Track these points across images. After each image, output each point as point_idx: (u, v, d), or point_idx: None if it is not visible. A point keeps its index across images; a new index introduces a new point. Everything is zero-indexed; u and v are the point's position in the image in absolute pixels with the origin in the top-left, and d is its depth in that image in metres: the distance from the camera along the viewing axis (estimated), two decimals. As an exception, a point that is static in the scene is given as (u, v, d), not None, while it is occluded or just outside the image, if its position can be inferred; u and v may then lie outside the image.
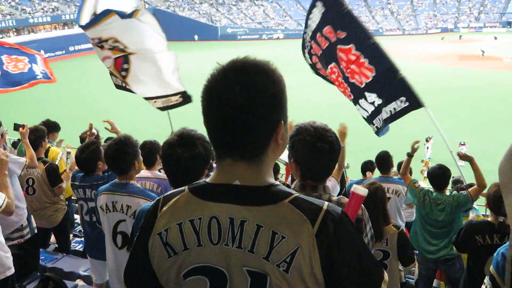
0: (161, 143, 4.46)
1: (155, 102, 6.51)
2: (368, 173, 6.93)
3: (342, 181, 6.59)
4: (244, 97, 1.17)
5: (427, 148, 17.60)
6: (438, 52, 49.22)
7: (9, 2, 57.85)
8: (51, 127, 6.65)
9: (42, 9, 59.69)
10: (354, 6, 77.46)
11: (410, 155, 5.26)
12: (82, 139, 5.88)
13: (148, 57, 6.07)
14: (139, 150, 3.37)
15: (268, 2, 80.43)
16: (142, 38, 5.91)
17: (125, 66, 6.16)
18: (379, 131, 5.54)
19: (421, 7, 76.73)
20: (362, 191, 1.90)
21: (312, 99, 27.43)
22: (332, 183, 3.40)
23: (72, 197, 6.61)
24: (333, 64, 5.51)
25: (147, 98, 6.54)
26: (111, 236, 3.34)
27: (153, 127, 10.14)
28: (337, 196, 2.29)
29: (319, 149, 2.10)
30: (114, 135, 5.59)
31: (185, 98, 6.38)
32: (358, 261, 1.22)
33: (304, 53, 6.29)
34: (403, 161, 5.41)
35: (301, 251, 1.15)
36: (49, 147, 6.07)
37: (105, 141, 5.57)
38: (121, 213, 3.25)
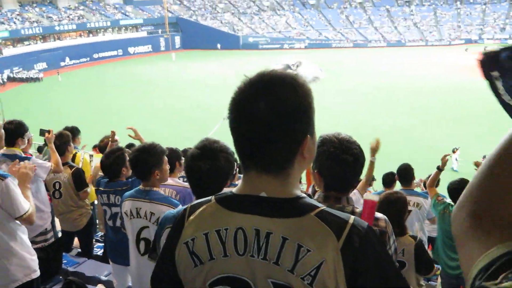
0: (176, 150, 4.52)
1: None
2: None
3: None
4: (270, 111, 1.17)
5: (455, 159, 17.38)
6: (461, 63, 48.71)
7: (37, 10, 59.11)
8: (72, 132, 6.76)
9: (68, 17, 60.82)
10: (377, 16, 77.35)
11: (440, 169, 5.20)
12: (100, 147, 5.96)
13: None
14: (164, 159, 3.39)
15: (290, 11, 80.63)
16: None
17: None
18: None
19: (445, 18, 76.04)
20: (372, 197, 1.90)
21: (333, 108, 27.35)
22: (356, 197, 3.38)
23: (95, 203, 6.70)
24: None
25: None
26: (135, 242, 3.38)
27: (172, 135, 10.27)
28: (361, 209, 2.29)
29: (343, 161, 2.10)
30: (137, 142, 5.69)
31: None
32: (383, 276, 1.21)
33: None
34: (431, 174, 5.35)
35: (326, 264, 1.14)
36: (75, 153, 6.17)
37: (126, 147, 5.64)
38: (145, 220, 3.28)
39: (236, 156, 1.36)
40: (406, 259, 3.60)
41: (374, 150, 3.83)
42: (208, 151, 2.38)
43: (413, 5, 79.64)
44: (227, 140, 2.37)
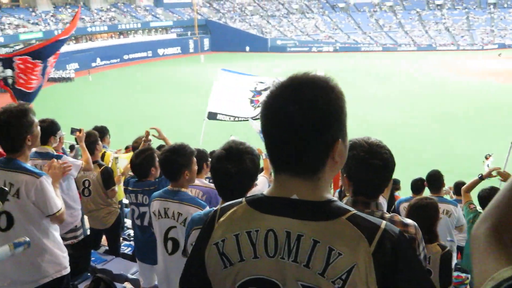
0: (203, 151, 4.55)
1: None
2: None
3: (391, 199, 6.48)
4: (301, 115, 1.17)
5: (487, 166, 17.06)
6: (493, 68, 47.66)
7: (70, 12, 60.36)
8: (100, 132, 6.86)
9: (100, 18, 61.95)
10: (407, 20, 76.39)
11: (482, 178, 5.06)
12: (134, 147, 6.05)
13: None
14: (193, 160, 3.42)
15: (319, 15, 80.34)
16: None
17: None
18: None
19: (477, 22, 74.61)
20: None
21: (360, 113, 27.09)
22: (380, 200, 3.35)
23: (123, 201, 6.80)
24: None
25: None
26: (163, 242, 3.41)
27: (199, 136, 10.36)
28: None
29: (372, 166, 2.07)
30: (162, 142, 5.75)
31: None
32: (414, 282, 1.19)
33: None
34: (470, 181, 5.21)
35: (358, 269, 1.13)
36: (104, 152, 6.28)
37: (157, 148, 5.71)
38: (173, 220, 3.31)
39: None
40: (432, 267, 3.53)
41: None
42: (234, 152, 2.38)
43: (445, 9, 78.40)
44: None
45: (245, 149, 2.41)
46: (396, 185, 9.04)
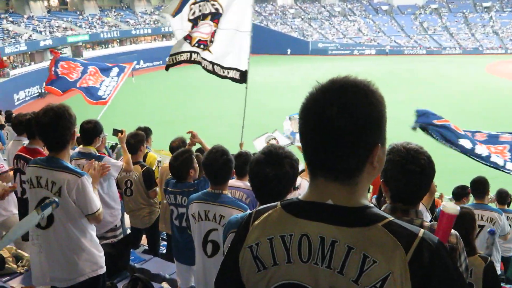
0: (248, 154, 4.56)
1: (223, 71, 7.49)
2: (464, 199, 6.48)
3: (433, 207, 6.32)
4: (341, 118, 1.16)
5: None
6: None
7: (115, 15, 61.93)
8: (145, 133, 6.99)
9: (144, 21, 63.23)
10: (453, 23, 74.51)
11: None
12: (172, 148, 6.12)
13: (231, 33, 7.29)
14: (233, 163, 3.47)
15: (362, 17, 79.41)
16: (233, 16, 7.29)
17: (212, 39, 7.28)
18: None
19: (528, 24, 72.01)
20: (453, 209, 1.78)
21: (401, 117, 26.59)
22: (421, 208, 3.26)
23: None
24: None
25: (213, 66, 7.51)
26: (201, 244, 3.42)
27: (238, 139, 10.34)
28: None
29: (408, 171, 2.02)
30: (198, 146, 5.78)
31: (242, 78, 7.34)
32: None
33: None
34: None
35: (393, 277, 1.11)
36: (147, 152, 6.40)
37: (196, 151, 5.76)
38: (214, 222, 3.31)
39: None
40: (474, 281, 3.41)
41: None
42: (273, 157, 2.38)
43: (493, 11, 75.98)
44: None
45: (284, 153, 2.41)
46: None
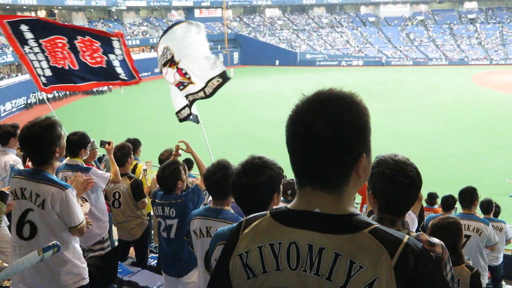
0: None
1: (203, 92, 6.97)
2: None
3: (421, 215, 6.37)
4: (327, 129, 1.20)
5: None
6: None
7: (104, 26, 61.87)
8: (133, 144, 6.96)
9: (133, 32, 63.25)
10: (439, 34, 75.48)
11: None
12: (161, 160, 6.09)
13: (189, 56, 6.85)
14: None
15: (349, 29, 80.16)
16: (182, 42, 6.80)
17: (184, 71, 6.85)
18: None
19: (512, 36, 73.17)
20: None
21: (392, 127, 26.79)
22: (411, 217, 3.29)
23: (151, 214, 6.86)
24: None
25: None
26: (203, 261, 3.30)
27: (228, 150, 10.34)
28: (416, 231, 2.23)
29: (398, 183, 2.05)
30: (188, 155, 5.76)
31: (224, 77, 6.87)
32: None
33: None
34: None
35: (379, 282, 1.14)
36: (136, 164, 6.37)
37: (183, 162, 5.75)
38: None
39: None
40: None
41: None
42: (250, 166, 2.40)
43: (478, 23, 77.13)
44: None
45: (262, 163, 2.41)
46: (434, 199, 8.92)
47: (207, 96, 6.95)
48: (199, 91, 6.89)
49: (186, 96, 7.02)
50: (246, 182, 2.36)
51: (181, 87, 7.02)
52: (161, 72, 7.15)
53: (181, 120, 7.39)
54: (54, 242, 2.55)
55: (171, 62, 6.90)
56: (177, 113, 7.35)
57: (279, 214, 1.33)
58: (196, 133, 7.41)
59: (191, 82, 6.90)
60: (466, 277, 3.41)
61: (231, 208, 3.38)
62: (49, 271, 3.22)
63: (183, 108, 7.22)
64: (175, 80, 6.97)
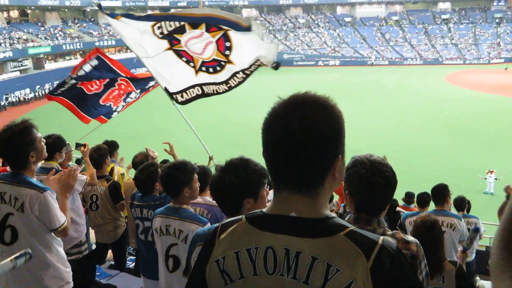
0: (207, 169, 4.56)
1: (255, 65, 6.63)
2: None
3: (396, 214, 6.46)
4: (302, 132, 1.20)
5: (493, 180, 16.95)
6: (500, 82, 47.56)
7: (78, 26, 61.00)
8: (111, 146, 6.87)
9: (108, 33, 62.49)
10: (414, 34, 76.52)
11: (508, 198, 5.11)
12: (135, 163, 5.98)
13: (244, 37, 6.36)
14: (194, 177, 3.39)
15: (326, 29, 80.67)
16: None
17: (227, 44, 6.34)
18: None
19: (484, 36, 74.61)
20: None
21: (368, 127, 27.05)
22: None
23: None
24: None
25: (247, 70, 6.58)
26: (164, 259, 3.38)
27: (203, 152, 10.26)
28: (392, 230, 2.26)
29: (373, 184, 2.08)
30: (170, 158, 5.77)
31: (274, 63, 6.66)
32: None
33: None
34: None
35: (356, 284, 1.15)
36: (113, 166, 6.30)
37: (161, 163, 5.73)
38: (174, 237, 3.29)
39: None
40: (446, 286, 3.50)
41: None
42: (227, 165, 2.43)
43: (451, 23, 78.51)
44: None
45: (239, 163, 2.42)
46: (411, 198, 9.10)
47: (226, 90, 6.52)
48: (226, 81, 6.43)
49: (201, 86, 6.40)
50: (226, 179, 2.38)
51: (212, 70, 6.39)
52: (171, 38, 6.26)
53: (181, 103, 6.54)
54: (26, 249, 2.52)
55: (214, 27, 6.16)
56: (174, 93, 6.50)
57: (255, 219, 1.32)
58: (169, 137, 7.23)
59: (229, 62, 6.37)
60: (451, 272, 3.48)
61: (190, 207, 3.42)
62: (31, 276, 3.17)
63: (189, 88, 6.50)
64: (208, 55, 6.29)
